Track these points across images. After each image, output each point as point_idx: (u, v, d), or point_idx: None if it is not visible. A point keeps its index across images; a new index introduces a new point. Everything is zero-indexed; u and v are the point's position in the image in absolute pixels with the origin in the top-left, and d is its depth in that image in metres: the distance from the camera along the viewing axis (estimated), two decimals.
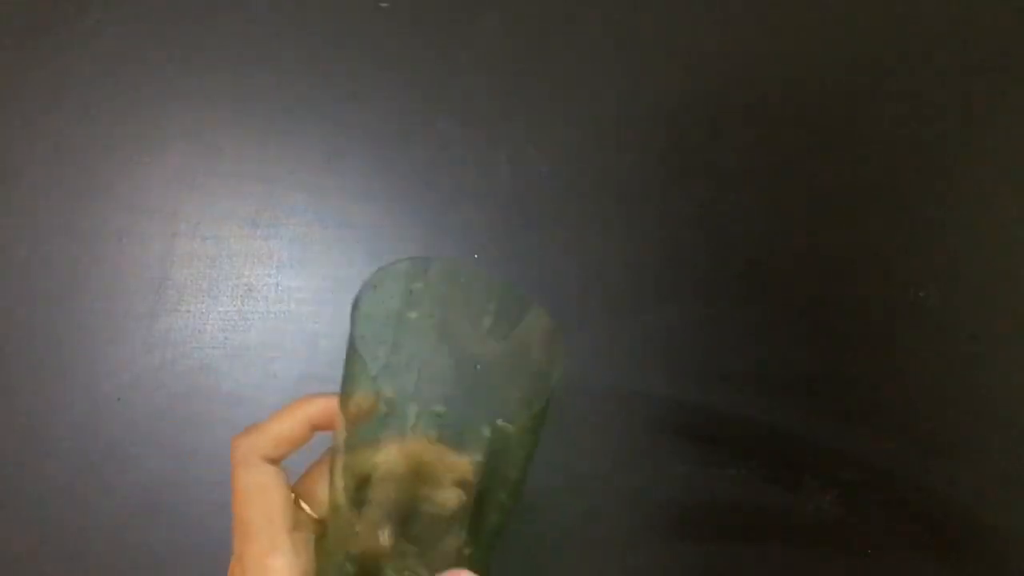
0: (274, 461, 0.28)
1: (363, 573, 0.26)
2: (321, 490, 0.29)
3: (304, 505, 0.28)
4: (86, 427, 0.48)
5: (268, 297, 0.50)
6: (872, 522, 0.47)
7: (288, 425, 0.28)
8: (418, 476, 0.26)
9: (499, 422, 0.26)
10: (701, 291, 0.50)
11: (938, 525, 0.47)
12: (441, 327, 0.28)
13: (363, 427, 0.27)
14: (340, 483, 0.27)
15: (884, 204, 0.51)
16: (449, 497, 0.26)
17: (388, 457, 0.26)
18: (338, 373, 0.29)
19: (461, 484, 0.26)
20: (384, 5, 0.53)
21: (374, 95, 0.52)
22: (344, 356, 0.28)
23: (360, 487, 0.26)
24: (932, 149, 0.51)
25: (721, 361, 0.49)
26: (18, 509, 0.47)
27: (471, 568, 0.25)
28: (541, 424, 0.27)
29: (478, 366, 0.29)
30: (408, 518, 0.26)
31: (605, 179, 0.51)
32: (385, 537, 0.26)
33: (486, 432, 0.26)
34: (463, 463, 0.26)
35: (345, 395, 0.27)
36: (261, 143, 0.52)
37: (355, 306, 0.27)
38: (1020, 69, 0.52)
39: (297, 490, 0.29)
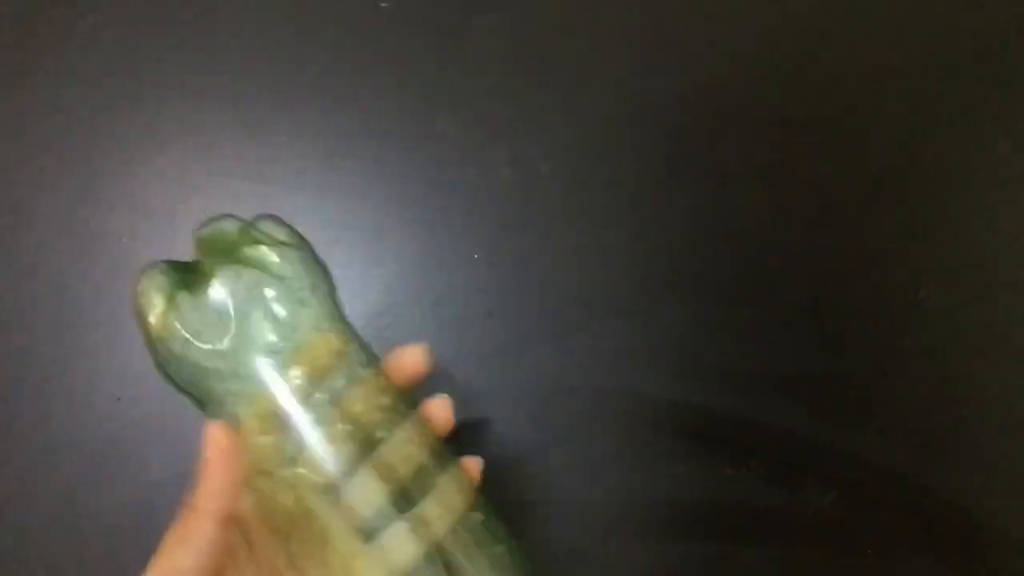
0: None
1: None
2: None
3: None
4: (86, 427, 0.48)
5: None
6: (872, 522, 0.47)
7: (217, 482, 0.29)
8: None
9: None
10: (701, 291, 0.50)
11: (938, 525, 0.47)
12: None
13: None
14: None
15: (884, 204, 0.51)
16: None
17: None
18: None
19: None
20: (384, 5, 0.53)
21: (374, 95, 0.52)
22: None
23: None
24: (932, 149, 0.51)
25: (721, 361, 0.49)
26: (18, 509, 0.47)
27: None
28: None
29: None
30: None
31: (605, 179, 0.51)
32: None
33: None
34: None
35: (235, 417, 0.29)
36: (261, 143, 0.52)
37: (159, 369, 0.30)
38: (1020, 69, 0.52)
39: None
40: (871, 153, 0.51)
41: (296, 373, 0.28)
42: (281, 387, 0.28)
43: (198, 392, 0.30)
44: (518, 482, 0.47)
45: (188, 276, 0.30)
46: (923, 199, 0.51)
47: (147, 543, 0.47)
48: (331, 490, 0.28)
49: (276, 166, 0.51)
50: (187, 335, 0.29)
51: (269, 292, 0.29)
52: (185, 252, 0.51)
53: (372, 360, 0.31)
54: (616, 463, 0.48)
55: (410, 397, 0.31)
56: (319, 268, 0.31)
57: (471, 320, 0.49)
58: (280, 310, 0.29)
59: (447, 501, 0.29)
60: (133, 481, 0.47)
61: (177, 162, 0.52)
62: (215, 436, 0.28)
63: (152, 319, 0.30)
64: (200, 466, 0.28)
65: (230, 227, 0.31)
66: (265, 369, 0.28)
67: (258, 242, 0.30)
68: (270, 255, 0.30)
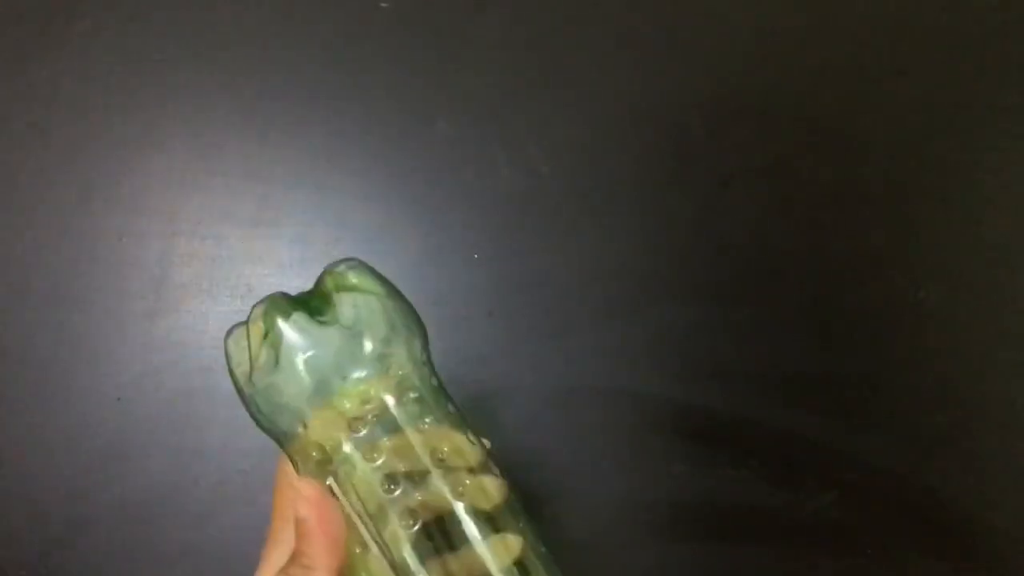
0: None
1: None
2: None
3: None
4: (86, 427, 0.48)
5: None
6: (872, 522, 0.47)
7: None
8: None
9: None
10: (701, 291, 0.50)
11: (938, 525, 0.47)
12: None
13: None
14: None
15: (884, 204, 0.51)
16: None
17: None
18: None
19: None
20: (384, 5, 0.53)
21: (374, 95, 0.52)
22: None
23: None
24: (932, 149, 0.51)
25: (721, 361, 0.49)
26: (18, 509, 0.47)
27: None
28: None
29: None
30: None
31: (605, 179, 0.51)
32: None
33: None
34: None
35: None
36: (261, 143, 0.52)
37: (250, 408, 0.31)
38: (1019, 70, 0.52)
39: None
40: (871, 153, 0.51)
41: (346, 414, 0.29)
42: (328, 427, 0.29)
43: (274, 427, 0.30)
44: (518, 482, 0.47)
45: (293, 308, 0.31)
46: (923, 199, 0.51)
47: (147, 543, 0.48)
48: (369, 533, 0.28)
49: (276, 166, 0.51)
50: (270, 368, 0.30)
51: (339, 337, 0.30)
52: (184, 252, 0.51)
53: (439, 412, 0.31)
54: (616, 463, 0.48)
55: (481, 461, 0.31)
56: (399, 316, 0.32)
57: (471, 320, 0.49)
58: (346, 355, 0.30)
59: (489, 554, 0.28)
60: (133, 481, 0.47)
61: (177, 162, 0.52)
62: (309, 494, 0.28)
63: (252, 351, 0.31)
64: (299, 525, 0.28)
65: (340, 269, 0.32)
66: (318, 408, 0.29)
67: (344, 288, 0.31)
68: (349, 301, 0.31)
